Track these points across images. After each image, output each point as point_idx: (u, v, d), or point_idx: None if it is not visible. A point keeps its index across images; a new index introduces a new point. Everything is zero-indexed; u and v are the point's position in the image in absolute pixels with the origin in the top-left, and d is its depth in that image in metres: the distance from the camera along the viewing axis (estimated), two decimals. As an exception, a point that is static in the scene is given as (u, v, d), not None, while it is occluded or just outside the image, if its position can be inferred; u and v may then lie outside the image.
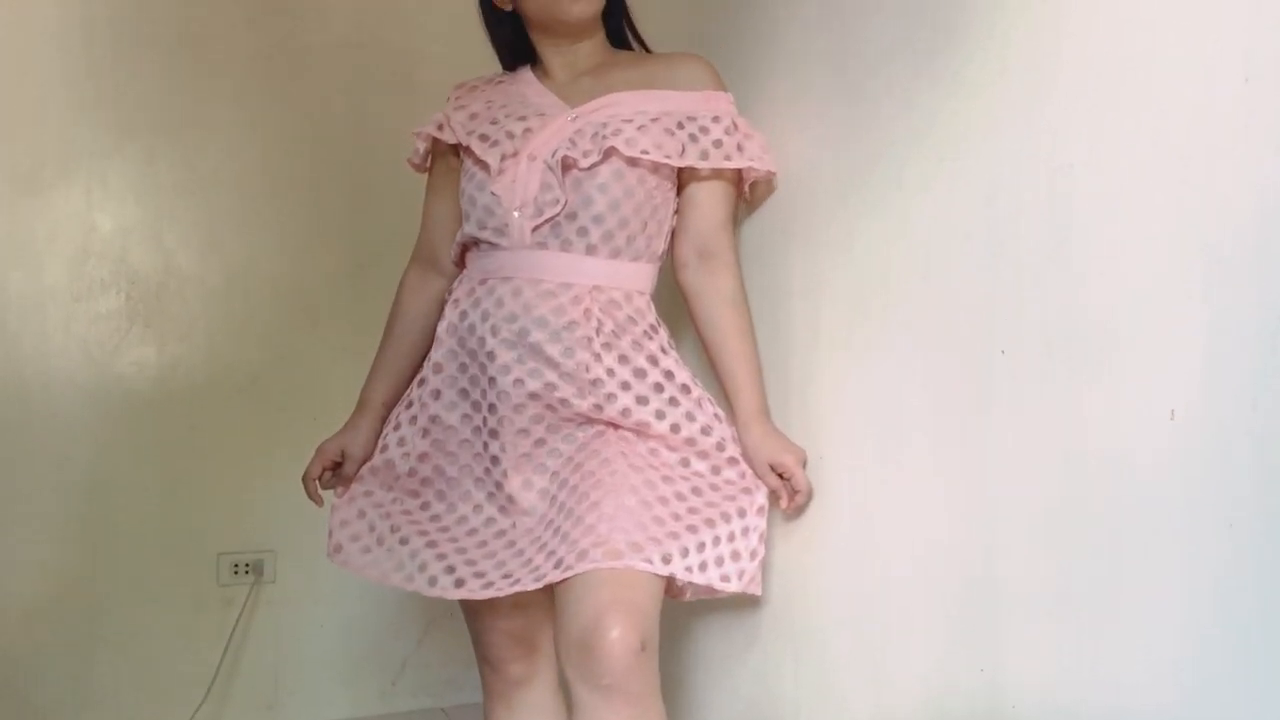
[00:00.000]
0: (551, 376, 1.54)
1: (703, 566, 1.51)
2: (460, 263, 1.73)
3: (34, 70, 2.48)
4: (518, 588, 1.50)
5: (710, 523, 1.54)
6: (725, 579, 1.54)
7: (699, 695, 1.91)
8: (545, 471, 1.58)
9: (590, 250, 1.58)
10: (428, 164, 1.80)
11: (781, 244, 1.68)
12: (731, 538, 1.55)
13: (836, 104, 1.54)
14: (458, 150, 1.72)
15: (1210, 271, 0.98)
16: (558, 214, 1.57)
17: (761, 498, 1.59)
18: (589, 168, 1.56)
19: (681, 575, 1.48)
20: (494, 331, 1.56)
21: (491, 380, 1.56)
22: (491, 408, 1.57)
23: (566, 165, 1.57)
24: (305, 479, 1.77)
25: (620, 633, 1.37)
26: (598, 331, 1.55)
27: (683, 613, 1.87)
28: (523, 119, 1.63)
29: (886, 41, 1.44)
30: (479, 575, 1.54)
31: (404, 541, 1.63)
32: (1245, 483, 0.94)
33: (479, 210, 1.62)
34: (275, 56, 2.65)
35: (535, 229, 1.58)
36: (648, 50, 1.80)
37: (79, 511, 2.52)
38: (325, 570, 2.65)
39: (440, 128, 1.71)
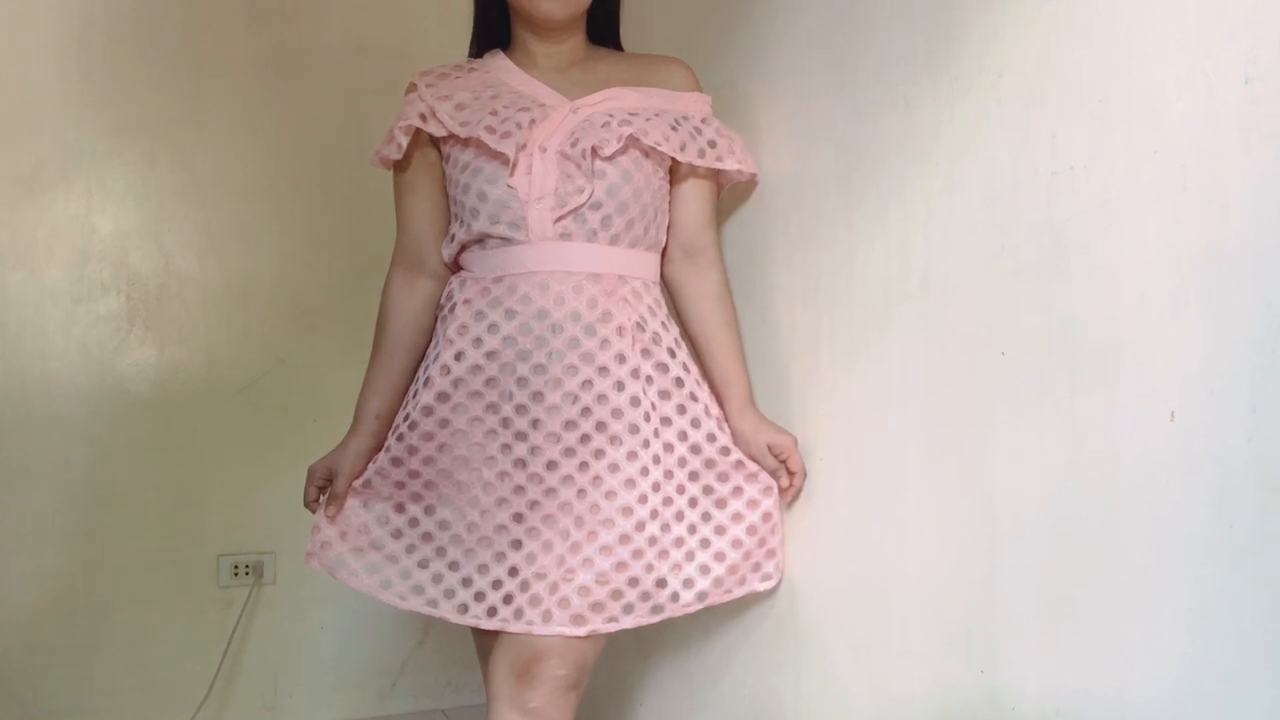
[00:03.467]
0: (589, 373, 1.51)
1: (741, 581, 1.61)
2: (454, 264, 1.67)
3: (33, 73, 2.48)
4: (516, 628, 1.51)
5: (738, 543, 1.59)
6: (767, 578, 1.63)
7: (700, 694, 1.91)
8: (571, 485, 1.52)
9: (614, 240, 1.56)
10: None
11: (784, 248, 1.68)
12: (762, 541, 1.61)
13: (839, 109, 1.55)
14: (436, 143, 1.64)
15: (1209, 275, 0.98)
16: (583, 204, 1.53)
17: (770, 485, 1.62)
18: (610, 156, 1.53)
19: (669, 614, 1.55)
20: (524, 330, 1.52)
21: (521, 380, 1.52)
22: (520, 409, 1.52)
23: (591, 154, 1.53)
24: (305, 503, 1.72)
25: (557, 669, 1.47)
26: (630, 322, 1.54)
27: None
28: (525, 110, 1.57)
29: (887, 48, 1.44)
30: (507, 599, 1.52)
31: (423, 565, 1.60)
32: (1245, 484, 0.94)
33: (490, 205, 1.55)
34: (274, 60, 2.66)
35: (558, 220, 1.53)
36: (621, 49, 1.78)
37: (79, 512, 2.52)
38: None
39: (424, 119, 1.60)
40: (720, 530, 1.59)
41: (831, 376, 1.57)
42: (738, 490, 1.61)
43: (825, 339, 1.58)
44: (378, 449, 1.66)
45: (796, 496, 1.62)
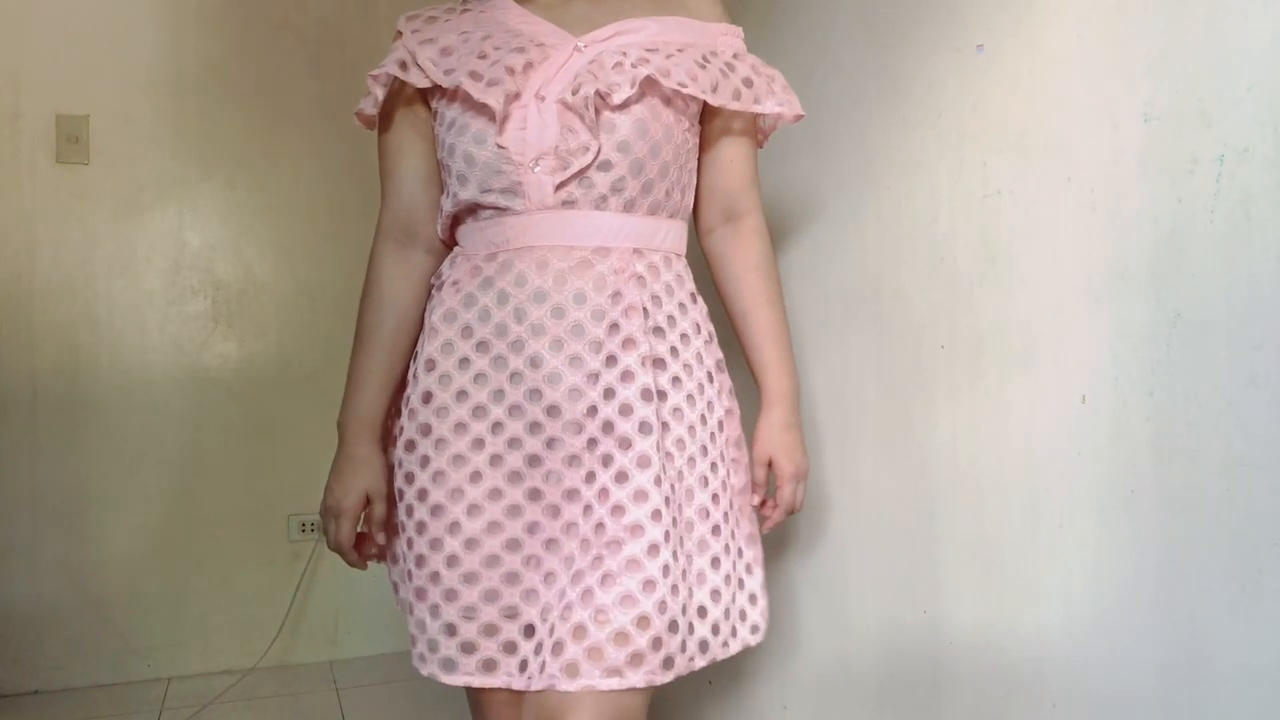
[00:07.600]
0: (595, 364, 1.06)
1: (734, 633, 1.13)
2: (449, 239, 1.20)
3: (134, 114, 2.48)
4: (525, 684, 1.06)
5: (738, 583, 1.14)
6: (755, 629, 1.16)
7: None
8: (577, 500, 1.07)
9: (628, 206, 1.09)
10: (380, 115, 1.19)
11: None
12: (739, 583, 1.15)
13: (805, 143, 1.54)
14: (426, 97, 1.16)
15: (1114, 281, 0.98)
16: (589, 165, 1.06)
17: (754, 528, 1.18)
18: (623, 105, 1.07)
19: (697, 665, 1.08)
20: (518, 316, 1.07)
21: (516, 376, 1.07)
22: (514, 411, 1.07)
23: (598, 103, 1.07)
24: (342, 550, 1.17)
25: None
26: (640, 301, 1.08)
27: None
28: (520, 51, 1.09)
29: (845, 92, 1.43)
30: (506, 648, 1.07)
31: (434, 612, 1.08)
32: (1143, 456, 0.95)
33: (479, 169, 1.08)
34: (334, 101, 2.65)
35: (560, 186, 1.07)
36: None
37: (172, 479, 2.52)
38: (377, 529, 2.65)
39: (404, 66, 1.11)
40: (738, 583, 1.15)
41: (801, 368, 1.57)
42: (749, 536, 1.17)
43: (796, 336, 1.58)
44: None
45: (771, 527, 1.20)
